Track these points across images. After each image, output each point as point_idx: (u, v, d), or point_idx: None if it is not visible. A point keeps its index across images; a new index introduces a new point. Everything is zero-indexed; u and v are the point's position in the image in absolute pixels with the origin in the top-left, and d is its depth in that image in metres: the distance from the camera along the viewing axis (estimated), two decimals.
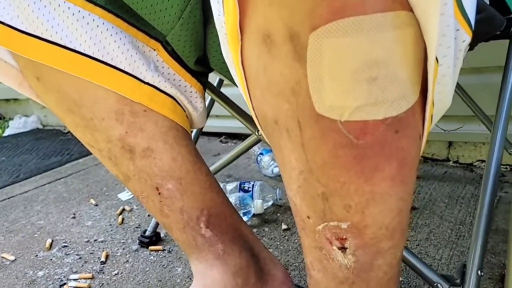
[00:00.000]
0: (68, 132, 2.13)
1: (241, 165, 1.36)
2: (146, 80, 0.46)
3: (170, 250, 0.89)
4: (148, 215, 1.07)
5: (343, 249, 0.33)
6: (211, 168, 0.78)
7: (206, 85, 0.54)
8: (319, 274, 0.37)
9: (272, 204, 1.03)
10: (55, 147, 1.88)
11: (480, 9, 0.46)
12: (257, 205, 0.97)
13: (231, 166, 1.32)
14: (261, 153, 1.26)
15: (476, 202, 0.95)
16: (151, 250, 0.90)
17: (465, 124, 1.14)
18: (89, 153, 1.68)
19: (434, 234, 0.84)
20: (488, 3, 0.55)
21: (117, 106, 0.45)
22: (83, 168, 1.52)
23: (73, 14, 0.41)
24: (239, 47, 0.29)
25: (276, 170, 1.21)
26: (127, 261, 0.87)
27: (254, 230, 0.94)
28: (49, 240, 0.98)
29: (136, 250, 0.91)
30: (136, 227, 1.01)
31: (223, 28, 0.30)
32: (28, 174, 1.50)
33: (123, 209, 1.11)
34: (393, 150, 0.29)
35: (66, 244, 0.96)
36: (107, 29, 0.43)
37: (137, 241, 0.93)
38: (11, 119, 2.43)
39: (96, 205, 1.17)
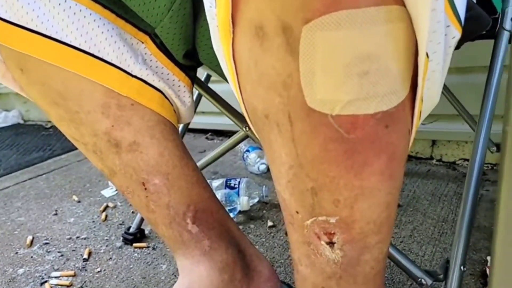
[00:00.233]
0: (51, 127, 2.09)
1: (227, 162, 1.35)
2: (133, 73, 0.45)
3: (155, 247, 0.89)
4: (132, 212, 1.05)
5: (331, 244, 0.34)
6: (197, 165, 0.77)
7: (194, 79, 0.54)
8: (307, 269, 0.37)
9: (258, 201, 1.03)
10: (36, 142, 1.84)
11: (467, 7, 0.46)
12: (243, 202, 0.97)
13: (217, 163, 1.31)
14: (248, 150, 1.26)
15: (459, 200, 0.97)
16: (135, 247, 0.89)
17: (448, 123, 1.15)
18: (72, 149, 1.65)
19: (417, 231, 0.86)
20: (475, 2, 0.56)
21: (104, 99, 0.45)
22: (65, 164, 1.50)
23: (59, 4, 0.40)
24: (231, 40, 0.29)
25: (262, 167, 1.21)
26: (111, 258, 0.86)
27: (240, 227, 0.93)
28: (30, 237, 0.96)
29: (120, 247, 0.90)
30: (120, 224, 1.00)
31: (214, 20, 0.30)
32: (8, 170, 1.47)
33: (107, 206, 1.10)
34: (383, 144, 0.29)
35: (47, 241, 0.95)
36: (94, 20, 0.42)
37: (121, 238, 0.92)
38: None
39: (79, 201, 1.15)
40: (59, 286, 0.78)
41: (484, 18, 0.62)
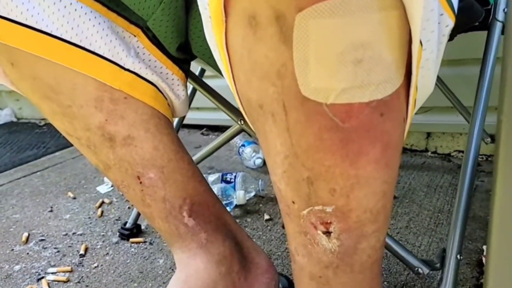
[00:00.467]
0: (44, 125, 2.08)
1: (223, 157, 1.35)
2: (126, 67, 0.45)
3: (152, 242, 0.88)
4: (129, 208, 1.05)
5: (327, 233, 0.34)
6: (193, 159, 0.77)
7: (188, 73, 0.53)
8: (304, 259, 0.37)
9: (255, 195, 1.03)
10: (30, 140, 1.83)
11: None
12: (240, 196, 0.97)
13: (212, 158, 1.31)
14: (243, 145, 1.26)
15: (454, 191, 0.98)
16: (132, 242, 0.89)
17: (443, 115, 1.16)
18: (66, 146, 1.64)
19: (413, 222, 0.86)
20: None
21: (97, 93, 0.44)
22: (60, 161, 1.49)
23: None
24: (223, 30, 0.29)
25: (258, 161, 1.21)
26: (107, 253, 0.86)
27: (237, 221, 0.93)
28: (26, 234, 0.95)
29: (117, 242, 0.90)
30: (116, 220, 1.00)
31: (207, 10, 0.30)
32: (2, 168, 1.46)
33: (102, 202, 1.09)
34: (378, 133, 0.29)
35: (43, 238, 0.94)
36: (85, 13, 0.42)
37: (117, 233, 0.92)
38: None
39: (74, 198, 1.15)
40: (56, 282, 0.78)
41: (477, 9, 0.62)
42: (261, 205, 1.00)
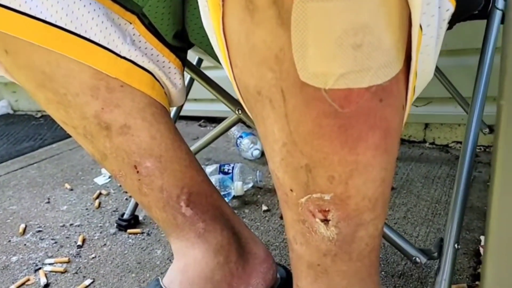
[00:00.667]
0: (41, 117, 2.07)
1: (221, 149, 1.35)
2: (122, 54, 0.44)
3: (149, 232, 0.88)
4: (126, 199, 1.05)
5: (325, 221, 0.33)
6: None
7: (185, 61, 0.53)
8: (302, 247, 0.37)
9: (252, 186, 1.03)
10: (27, 132, 1.82)
11: None
12: (237, 187, 0.96)
13: (210, 149, 1.31)
14: (241, 136, 1.26)
15: (452, 182, 0.98)
16: (130, 233, 0.88)
17: (441, 106, 1.16)
18: (63, 138, 1.63)
19: (411, 213, 0.86)
20: None
21: (92, 81, 0.44)
22: (57, 153, 1.48)
23: None
24: (221, 14, 0.28)
25: (255, 153, 1.21)
26: (105, 244, 0.86)
27: (235, 211, 0.93)
28: (23, 225, 0.95)
29: (114, 233, 0.90)
30: (114, 211, 0.99)
31: None
32: None
33: (100, 193, 1.09)
34: (377, 119, 0.28)
35: (40, 229, 0.94)
36: (80, 0, 0.41)
37: (115, 224, 0.92)
38: None
39: (72, 189, 1.14)
40: (54, 273, 0.77)
41: None
42: (259, 196, 1.00)
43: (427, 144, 1.23)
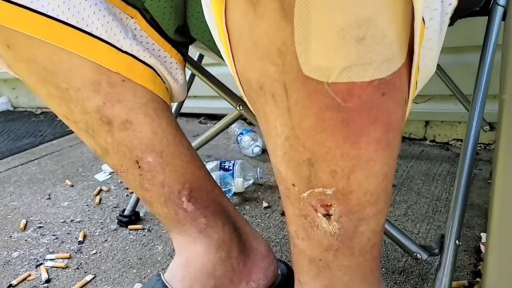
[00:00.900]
0: (41, 113, 2.07)
1: (221, 146, 1.35)
2: (124, 49, 0.44)
3: (150, 229, 0.88)
4: (127, 195, 1.05)
5: (327, 216, 0.33)
6: None
7: (186, 56, 0.53)
8: (304, 242, 0.37)
9: (253, 183, 1.03)
10: (27, 128, 1.82)
11: None
12: (238, 184, 0.96)
13: (211, 147, 1.31)
14: (241, 133, 1.26)
15: (452, 179, 0.98)
16: (131, 229, 0.89)
17: (442, 104, 1.15)
18: (63, 135, 1.63)
19: (411, 210, 0.86)
20: None
21: (94, 76, 0.44)
22: (57, 149, 1.48)
23: None
24: (223, 7, 0.28)
25: (256, 150, 1.21)
26: (106, 240, 0.86)
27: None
28: (24, 221, 0.95)
29: (115, 229, 0.90)
30: (115, 207, 0.99)
31: None
32: (0, 156, 1.45)
33: (100, 190, 1.09)
34: (379, 113, 0.28)
35: (41, 225, 0.94)
36: None
37: (116, 220, 0.92)
38: None
39: (72, 186, 1.14)
40: (55, 268, 0.78)
41: None
42: (259, 192, 1.00)
43: (427, 142, 1.23)
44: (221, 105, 1.52)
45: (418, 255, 0.53)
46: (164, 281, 0.52)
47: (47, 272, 0.76)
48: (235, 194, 0.98)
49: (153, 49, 0.47)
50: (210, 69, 0.69)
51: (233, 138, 1.32)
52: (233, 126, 1.29)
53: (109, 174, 1.19)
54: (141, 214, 0.93)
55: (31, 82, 0.45)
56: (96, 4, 0.42)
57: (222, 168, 1.03)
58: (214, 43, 0.34)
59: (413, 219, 0.83)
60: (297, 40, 0.25)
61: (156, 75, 0.48)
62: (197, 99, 1.58)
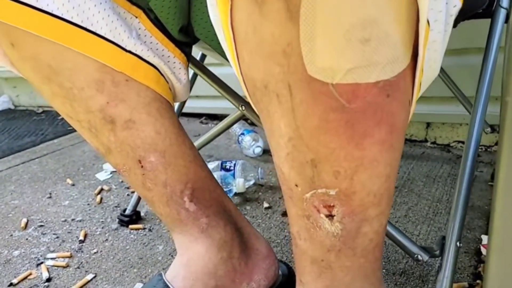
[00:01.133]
0: (42, 112, 2.07)
1: (222, 146, 1.35)
2: (128, 48, 0.44)
3: (151, 228, 0.88)
4: (128, 195, 1.05)
5: (330, 216, 0.33)
6: None
7: (190, 56, 0.53)
8: (306, 243, 0.37)
9: (254, 183, 1.03)
10: (28, 127, 1.82)
11: None
12: (239, 184, 0.97)
13: (212, 147, 1.31)
14: (242, 133, 1.26)
15: (453, 181, 0.98)
16: (131, 229, 0.89)
17: (443, 105, 1.16)
18: (64, 134, 1.63)
19: (412, 211, 0.86)
20: None
21: (98, 75, 0.44)
22: (58, 148, 1.48)
23: None
24: (229, 7, 0.28)
25: (257, 150, 1.21)
26: (107, 239, 0.86)
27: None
28: (24, 220, 0.95)
29: (116, 229, 0.90)
30: (115, 207, 1.00)
31: None
32: (1, 154, 1.45)
33: (102, 189, 1.09)
34: (383, 114, 0.29)
35: (42, 224, 0.94)
36: None
37: (117, 220, 0.92)
38: None
39: (73, 185, 1.14)
40: (56, 267, 0.78)
41: None
42: (260, 193, 1.00)
43: (428, 143, 1.23)
44: (222, 105, 1.52)
45: (419, 256, 0.53)
46: (166, 280, 0.52)
47: (48, 271, 0.76)
48: (236, 194, 0.98)
49: (157, 49, 0.47)
50: (212, 69, 0.69)
51: (234, 138, 1.32)
52: (234, 126, 1.29)
53: (110, 173, 1.19)
54: (142, 214, 0.93)
55: (35, 81, 0.45)
56: (101, 3, 0.42)
57: (223, 168, 1.03)
58: (218, 43, 0.34)
59: (414, 220, 0.83)
60: (302, 41, 0.26)
61: (160, 75, 0.48)
62: (199, 99, 1.58)
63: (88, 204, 1.02)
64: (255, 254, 0.55)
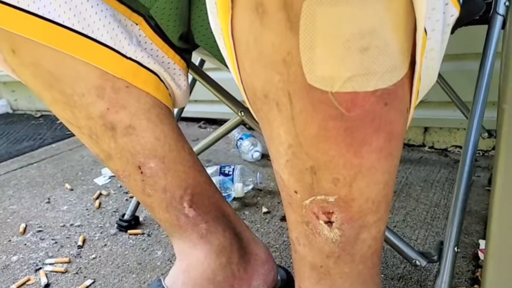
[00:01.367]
0: (40, 116, 2.07)
1: (221, 150, 1.35)
2: (128, 55, 0.45)
3: (150, 233, 0.89)
4: (126, 200, 1.05)
5: (329, 223, 0.34)
6: None
7: (189, 63, 0.53)
8: (305, 249, 0.37)
9: (252, 188, 1.03)
10: (26, 131, 1.82)
11: None
12: (238, 189, 0.97)
13: (211, 151, 1.31)
14: (241, 138, 1.26)
15: (451, 186, 0.98)
16: (130, 234, 0.89)
17: (441, 110, 1.16)
18: (62, 138, 1.63)
19: (410, 216, 0.87)
20: None
21: (98, 82, 0.44)
22: (56, 153, 1.48)
23: None
24: (229, 17, 0.29)
25: (256, 155, 1.21)
26: (105, 245, 0.86)
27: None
28: (23, 225, 0.95)
29: (115, 234, 0.90)
30: (114, 212, 1.00)
31: None
32: None
33: (100, 194, 1.09)
34: (382, 122, 0.29)
35: (40, 229, 0.94)
36: (88, 0, 0.41)
37: (115, 225, 0.92)
38: None
39: (72, 189, 1.14)
40: (54, 273, 0.78)
41: (478, 2, 0.62)
42: (259, 198, 1.01)
43: (426, 148, 1.23)
44: (221, 109, 1.52)
45: (417, 261, 0.54)
46: (165, 286, 0.52)
47: (47, 277, 0.76)
48: (234, 199, 0.99)
49: (157, 56, 0.47)
50: (211, 74, 0.69)
51: (233, 143, 1.32)
52: (233, 131, 1.30)
53: (109, 178, 1.19)
54: (140, 219, 0.93)
55: (35, 87, 0.46)
56: (101, 10, 0.42)
57: (221, 173, 1.03)
58: (218, 50, 0.34)
59: (412, 225, 0.83)
60: (302, 50, 0.26)
61: (160, 81, 0.48)
62: (197, 103, 1.58)
63: (87, 209, 1.02)
64: (254, 260, 0.56)
